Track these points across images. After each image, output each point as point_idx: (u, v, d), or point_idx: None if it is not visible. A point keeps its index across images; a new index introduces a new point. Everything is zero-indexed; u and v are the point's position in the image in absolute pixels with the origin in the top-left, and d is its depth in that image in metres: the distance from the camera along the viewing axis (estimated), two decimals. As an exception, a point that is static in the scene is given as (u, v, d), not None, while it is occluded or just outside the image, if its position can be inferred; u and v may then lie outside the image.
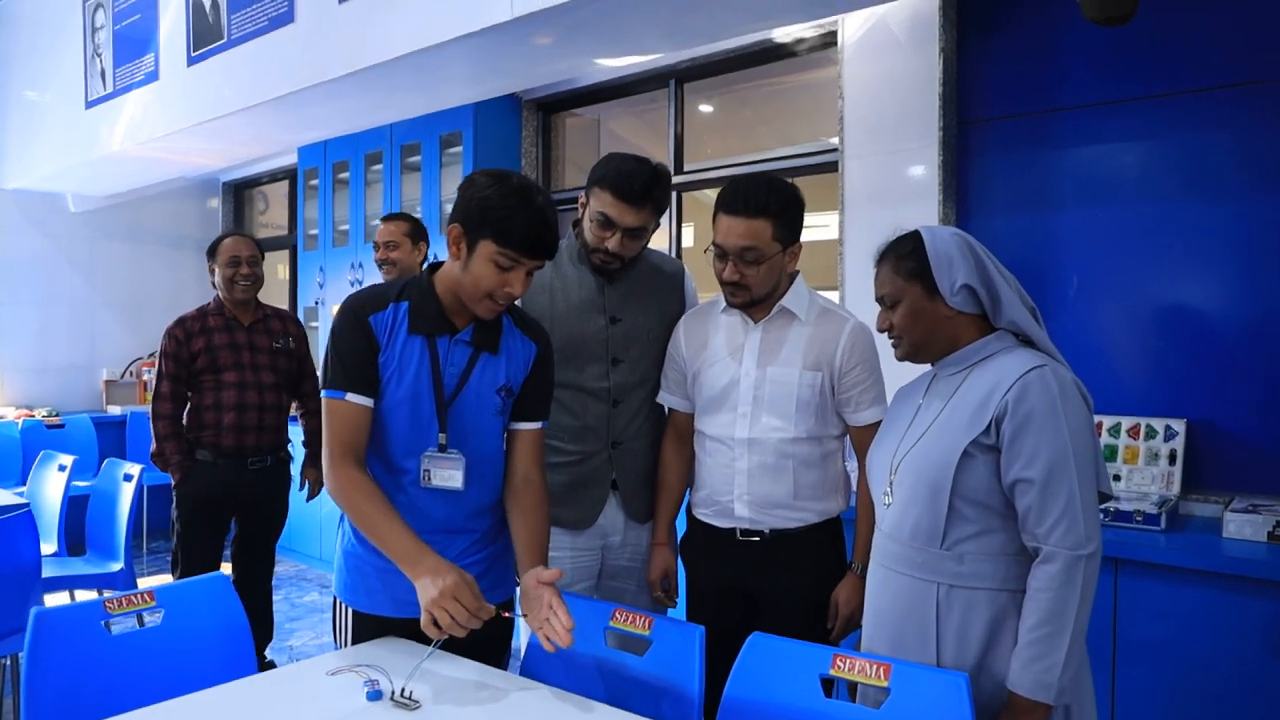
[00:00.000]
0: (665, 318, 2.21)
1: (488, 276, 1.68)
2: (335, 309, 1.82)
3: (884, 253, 1.70)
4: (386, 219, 3.53)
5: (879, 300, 1.70)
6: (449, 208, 3.72)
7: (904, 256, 1.65)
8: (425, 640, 1.71)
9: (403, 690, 1.51)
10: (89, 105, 4.84)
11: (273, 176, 6.60)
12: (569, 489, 2.16)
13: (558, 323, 2.13)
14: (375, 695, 1.52)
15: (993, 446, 1.54)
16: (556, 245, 1.71)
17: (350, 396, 1.71)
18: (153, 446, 3.31)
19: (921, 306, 1.63)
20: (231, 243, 3.41)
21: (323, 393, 1.74)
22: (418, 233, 3.50)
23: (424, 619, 1.53)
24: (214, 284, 3.41)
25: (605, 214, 2.06)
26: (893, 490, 1.65)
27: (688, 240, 4.53)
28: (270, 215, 6.93)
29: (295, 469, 3.60)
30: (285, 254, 6.56)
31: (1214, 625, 2.32)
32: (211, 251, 3.43)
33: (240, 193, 7.03)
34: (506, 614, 1.65)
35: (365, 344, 1.72)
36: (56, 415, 5.78)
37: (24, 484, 4.53)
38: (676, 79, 4.16)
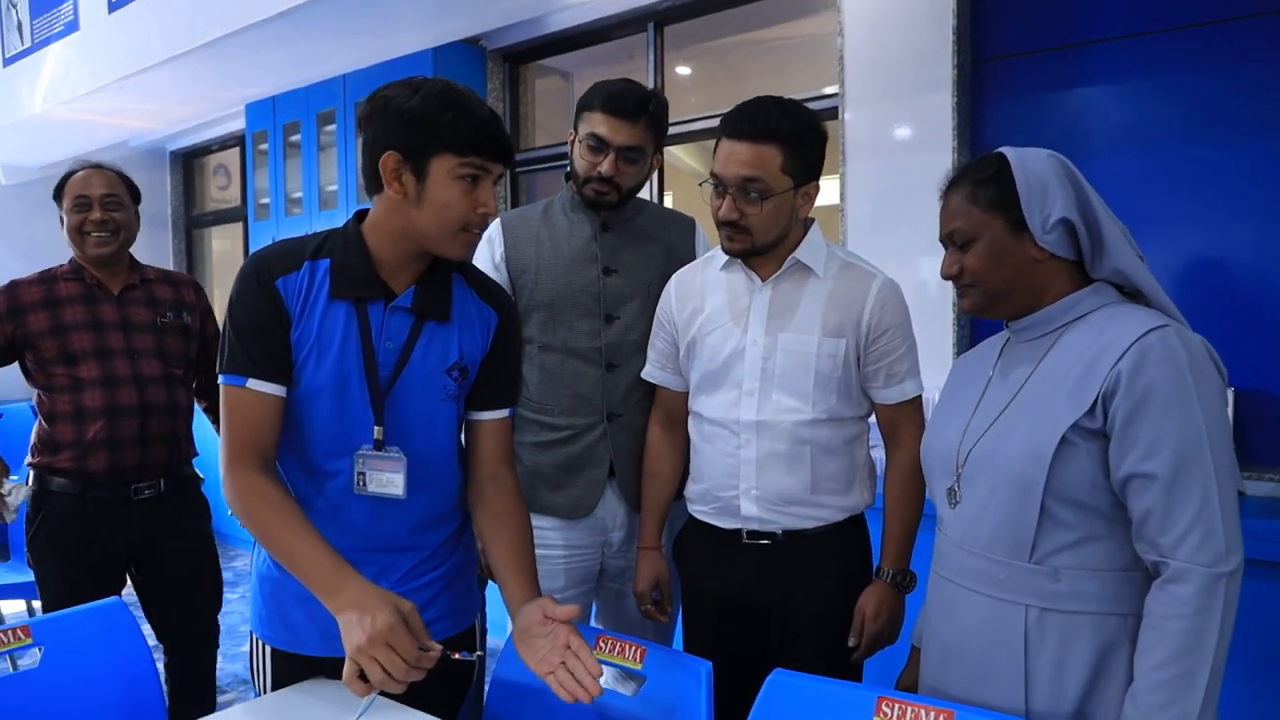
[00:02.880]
0: (670, 272, 1.90)
1: (456, 200, 1.33)
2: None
3: (957, 178, 1.35)
4: None
5: (945, 239, 1.35)
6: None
7: (984, 182, 1.30)
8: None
9: None
10: (7, 63, 4.41)
11: (223, 143, 6.16)
12: (562, 471, 1.89)
13: (544, 274, 1.91)
14: None
15: (1098, 431, 1.19)
16: (511, 146, 1.38)
17: (253, 384, 1.34)
18: None
19: (1004, 245, 1.29)
20: (80, 178, 2.37)
21: (220, 378, 1.36)
22: None
23: (347, 669, 1.17)
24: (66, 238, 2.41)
25: (596, 134, 1.83)
26: (961, 487, 1.31)
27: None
28: (233, 191, 6.48)
29: (211, 493, 2.47)
30: (239, 227, 6.14)
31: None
32: (58, 192, 2.40)
33: (190, 162, 6.59)
34: (457, 655, 1.29)
35: (272, 316, 1.34)
36: (-7, 405, 5.37)
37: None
38: (656, 21, 3.78)
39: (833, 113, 3.15)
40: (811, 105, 3.29)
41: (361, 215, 1.43)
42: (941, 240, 1.37)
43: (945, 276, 1.36)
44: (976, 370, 1.40)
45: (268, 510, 1.30)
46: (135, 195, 2.46)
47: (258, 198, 5.30)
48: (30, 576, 3.18)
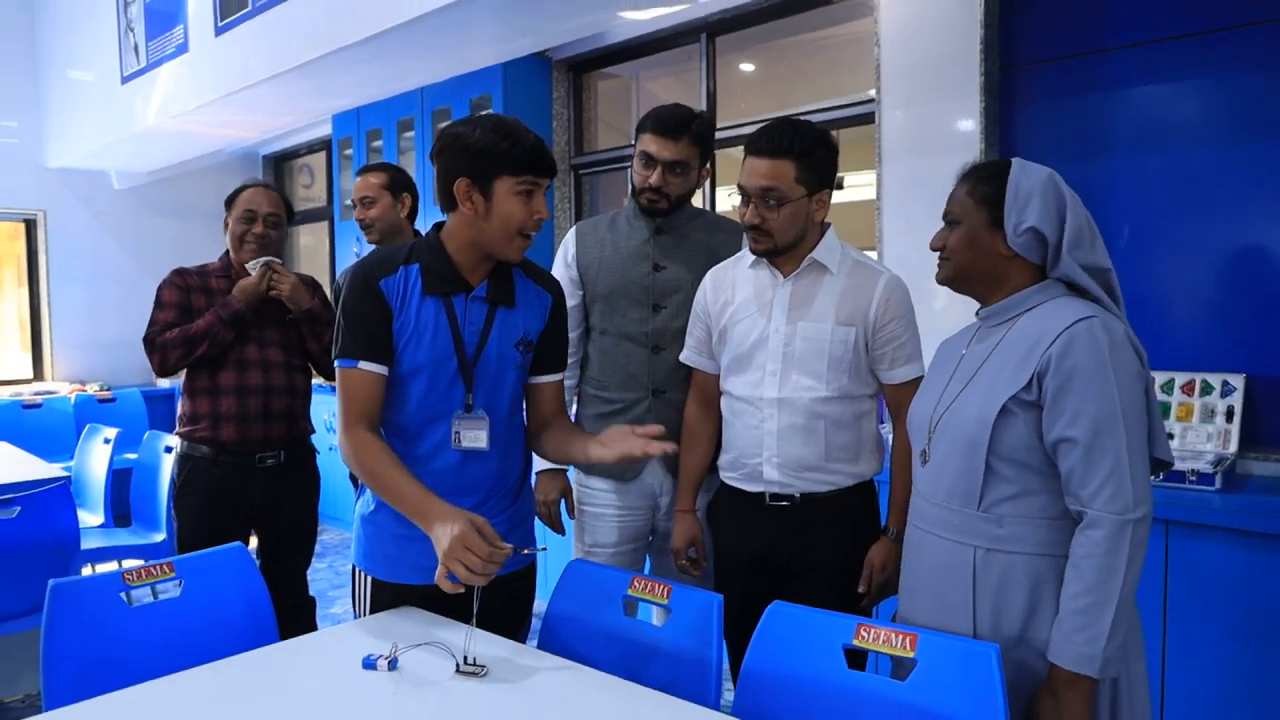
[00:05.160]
0: None
1: (517, 210, 1.66)
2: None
3: (968, 172, 1.59)
4: (361, 171, 3.01)
5: (944, 216, 1.60)
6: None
7: (984, 180, 1.54)
8: (444, 609, 1.69)
9: (466, 658, 1.49)
10: (124, 80, 4.86)
11: (310, 148, 6.61)
12: None
13: (605, 269, 2.22)
14: (370, 663, 1.49)
15: (1034, 403, 1.44)
16: (554, 162, 1.71)
17: (363, 365, 1.68)
18: (202, 345, 2.58)
19: (979, 236, 1.53)
20: (251, 195, 2.73)
21: (335, 362, 1.71)
22: (398, 184, 2.99)
23: (438, 573, 1.49)
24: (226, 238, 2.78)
25: (646, 151, 2.15)
26: (930, 448, 1.56)
27: (723, 203, 4.43)
28: (316, 189, 6.95)
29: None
30: (323, 224, 6.59)
31: (1273, 590, 2.21)
32: (230, 201, 2.77)
33: (280, 165, 7.06)
34: (525, 550, 1.66)
35: (377, 310, 1.68)
36: (108, 389, 5.90)
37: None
38: (708, 33, 4.04)
39: (871, 117, 3.37)
40: (852, 108, 3.54)
41: (439, 225, 1.75)
42: (942, 217, 1.61)
43: (932, 247, 1.61)
44: (953, 351, 1.65)
45: (374, 460, 1.64)
46: (290, 214, 2.83)
47: (343, 198, 5.70)
48: (146, 539, 3.66)
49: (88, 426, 4.18)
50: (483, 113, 1.70)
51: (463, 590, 1.50)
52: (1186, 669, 2.32)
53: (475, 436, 1.72)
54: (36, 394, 5.73)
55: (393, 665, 1.48)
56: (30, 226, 6.11)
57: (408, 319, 1.69)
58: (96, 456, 3.98)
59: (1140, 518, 1.37)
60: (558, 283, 1.89)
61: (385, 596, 1.77)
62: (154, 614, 1.83)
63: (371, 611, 1.77)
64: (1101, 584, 1.36)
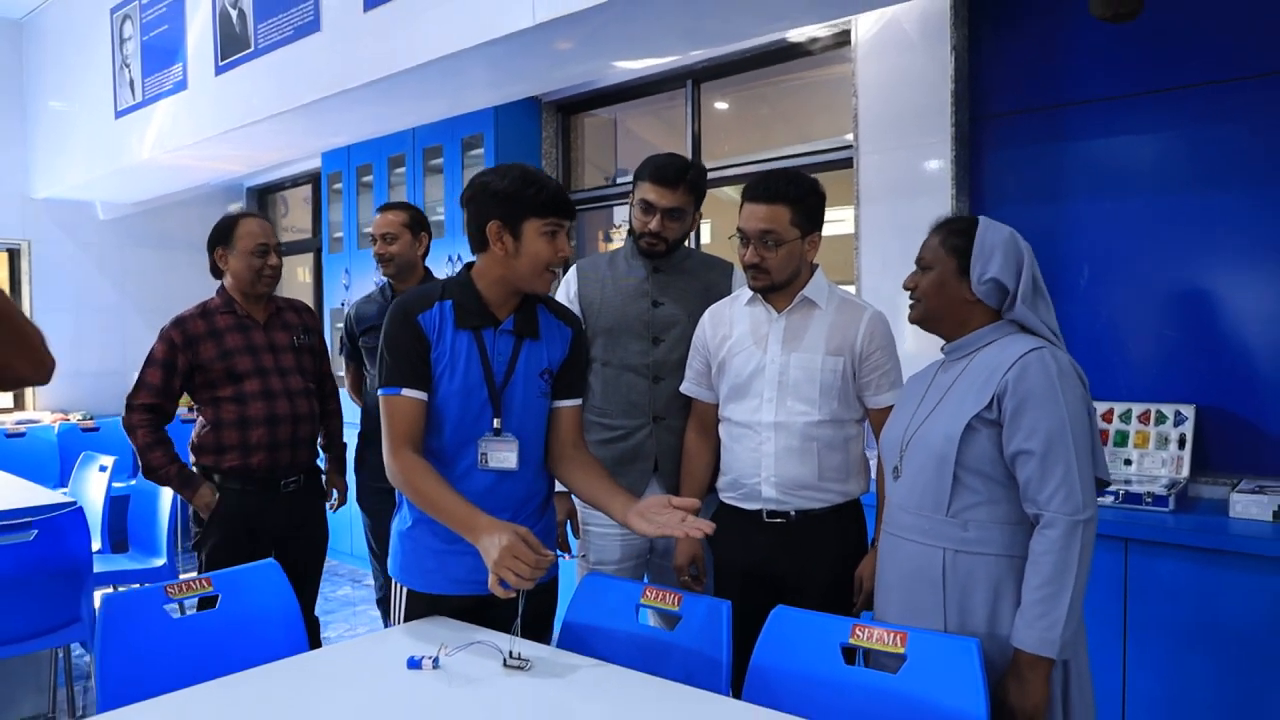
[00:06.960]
0: (707, 305, 2.35)
1: (544, 250, 1.84)
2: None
3: (941, 224, 1.82)
4: (383, 209, 3.17)
5: (917, 261, 1.81)
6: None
7: (955, 232, 1.77)
8: (473, 617, 1.83)
9: (511, 653, 1.64)
10: (118, 115, 4.96)
11: (295, 181, 6.71)
12: (617, 463, 2.34)
13: (606, 306, 2.37)
14: (414, 663, 1.62)
15: (995, 421, 1.65)
16: (573, 205, 1.89)
17: (406, 392, 1.83)
18: (141, 466, 2.74)
19: (947, 281, 1.75)
20: (256, 226, 2.77)
21: (379, 391, 1.86)
22: (418, 223, 3.12)
23: (490, 580, 1.63)
24: (221, 274, 2.82)
25: (645, 199, 2.30)
26: (903, 464, 1.76)
27: (705, 237, 4.62)
28: (291, 219, 7.06)
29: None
30: (309, 257, 6.69)
31: (1221, 601, 2.40)
32: (225, 236, 2.76)
33: (264, 197, 7.16)
34: (568, 556, 1.89)
35: (417, 342, 1.84)
36: (91, 419, 5.93)
37: (63, 484, 4.67)
38: (694, 79, 4.25)
39: (849, 161, 3.58)
40: (831, 153, 3.76)
41: (469, 265, 1.92)
42: (915, 261, 1.83)
43: (904, 287, 1.83)
44: (921, 382, 1.87)
45: (420, 478, 1.80)
46: None
47: (331, 231, 5.82)
48: (146, 564, 3.74)
49: (83, 454, 4.24)
50: (509, 163, 1.91)
51: (514, 595, 1.65)
52: (1146, 675, 2.50)
53: (504, 458, 1.88)
54: (19, 423, 5.75)
55: (436, 664, 1.62)
56: (14, 256, 6.15)
57: (443, 350, 1.85)
58: (93, 483, 4.04)
59: (1089, 518, 1.59)
60: (578, 318, 2.07)
61: (420, 606, 1.91)
62: (196, 626, 1.95)
63: (406, 620, 1.91)
64: (1058, 576, 1.56)
